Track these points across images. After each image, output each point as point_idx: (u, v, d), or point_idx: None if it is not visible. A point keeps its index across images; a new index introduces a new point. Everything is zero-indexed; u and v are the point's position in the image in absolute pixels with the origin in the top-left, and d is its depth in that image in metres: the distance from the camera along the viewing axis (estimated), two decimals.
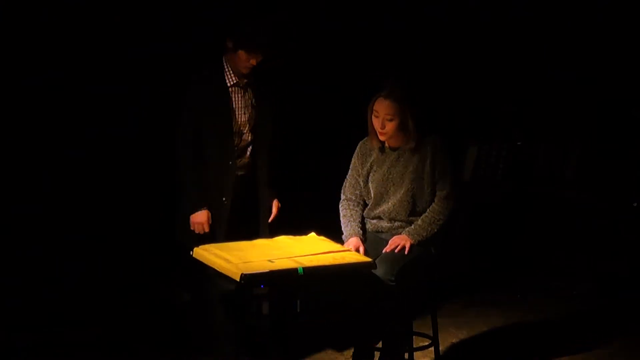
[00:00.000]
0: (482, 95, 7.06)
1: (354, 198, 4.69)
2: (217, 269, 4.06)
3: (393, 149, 4.58)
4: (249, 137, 4.74)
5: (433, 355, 4.78)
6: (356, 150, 4.69)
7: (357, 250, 4.48)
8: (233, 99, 4.71)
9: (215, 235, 4.60)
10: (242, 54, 4.59)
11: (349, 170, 4.71)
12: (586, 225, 6.59)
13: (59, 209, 5.96)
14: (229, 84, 4.71)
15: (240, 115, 4.71)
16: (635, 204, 6.18)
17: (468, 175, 6.35)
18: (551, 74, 6.96)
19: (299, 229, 4.62)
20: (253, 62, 4.61)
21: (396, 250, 4.43)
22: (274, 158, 4.80)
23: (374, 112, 4.50)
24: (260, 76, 4.77)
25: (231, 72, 4.71)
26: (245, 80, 4.73)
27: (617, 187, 6.51)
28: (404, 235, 4.49)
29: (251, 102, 4.75)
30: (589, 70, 6.83)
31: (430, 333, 4.75)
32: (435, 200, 4.53)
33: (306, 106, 6.53)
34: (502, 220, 6.87)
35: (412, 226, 4.50)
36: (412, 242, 4.45)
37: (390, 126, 4.47)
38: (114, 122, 6.11)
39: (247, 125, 4.72)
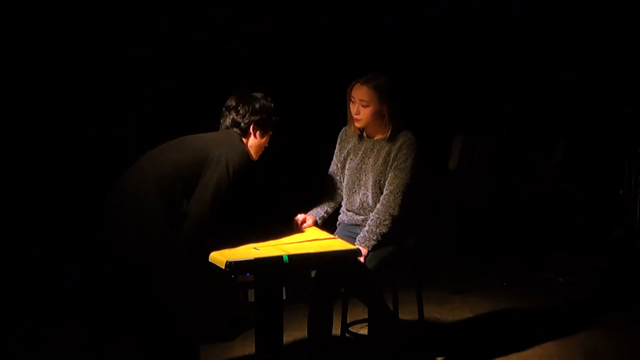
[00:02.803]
0: (476, 92, 7.06)
1: (333, 183, 4.70)
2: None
3: (370, 138, 4.56)
4: None
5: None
6: (338, 136, 4.69)
7: (303, 222, 4.49)
8: None
9: None
10: (268, 136, 4.33)
11: (333, 156, 4.72)
12: (571, 215, 6.63)
13: (59, 209, 5.96)
14: None
15: None
16: (621, 192, 6.18)
17: (454, 165, 6.33)
18: (546, 72, 6.97)
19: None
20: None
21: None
22: None
23: (351, 97, 4.49)
24: None
25: None
26: None
27: (603, 175, 6.53)
28: (358, 244, 4.41)
29: None
30: (583, 67, 6.84)
31: (417, 320, 4.77)
32: (381, 198, 4.47)
33: (306, 106, 6.53)
34: (488, 210, 6.90)
35: (362, 233, 4.45)
36: (368, 249, 4.40)
37: (365, 112, 4.44)
38: (114, 122, 6.12)
39: None
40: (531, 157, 6.66)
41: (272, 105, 4.27)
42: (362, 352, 4.70)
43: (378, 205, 4.45)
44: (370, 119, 4.47)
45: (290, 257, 3.97)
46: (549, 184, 6.62)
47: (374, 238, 4.41)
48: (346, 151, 4.63)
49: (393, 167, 4.46)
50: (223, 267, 3.89)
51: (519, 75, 7.00)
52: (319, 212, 4.62)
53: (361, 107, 4.45)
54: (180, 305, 4.08)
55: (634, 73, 6.58)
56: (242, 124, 4.21)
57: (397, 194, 4.43)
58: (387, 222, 4.42)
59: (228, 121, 4.23)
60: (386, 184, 4.47)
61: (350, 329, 4.89)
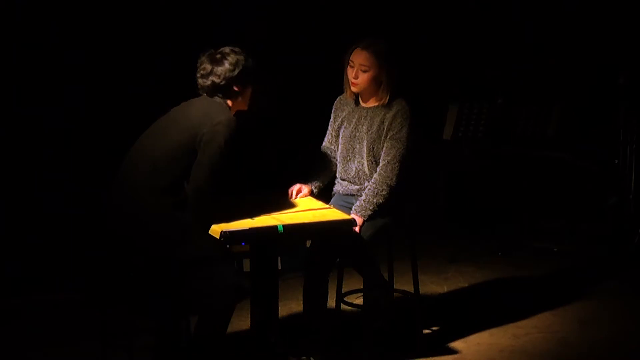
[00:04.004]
0: (472, 60, 7.05)
1: (328, 152, 4.71)
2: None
3: (365, 105, 4.56)
4: None
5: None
6: (333, 105, 4.69)
7: (299, 191, 4.51)
8: None
9: None
10: (252, 87, 4.21)
11: (328, 126, 4.72)
12: (567, 184, 6.69)
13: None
14: None
15: None
16: (616, 161, 6.20)
17: (449, 134, 6.33)
18: (542, 40, 6.97)
19: None
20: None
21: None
22: None
23: (349, 62, 4.47)
24: None
25: None
26: None
27: (598, 145, 6.55)
28: (353, 214, 4.42)
29: None
30: (579, 36, 6.84)
31: (412, 290, 4.79)
32: (378, 168, 4.47)
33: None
34: (482, 179, 6.93)
35: (358, 202, 4.45)
36: (363, 219, 4.41)
37: (363, 77, 4.44)
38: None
39: None
40: (527, 127, 6.65)
41: (245, 56, 4.09)
42: (357, 322, 4.73)
43: (375, 175, 4.45)
44: (367, 84, 4.46)
45: (285, 226, 3.98)
46: (545, 153, 6.62)
47: (370, 208, 4.41)
48: (340, 119, 4.62)
49: (389, 137, 4.45)
50: (218, 237, 3.90)
51: (514, 44, 6.99)
52: (314, 181, 4.63)
53: (360, 72, 4.44)
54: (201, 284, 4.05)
55: (628, 41, 6.60)
56: (223, 87, 4.06)
57: (395, 164, 4.43)
58: (384, 193, 4.42)
59: (208, 88, 4.09)
60: (383, 154, 4.46)
61: (345, 298, 4.90)
